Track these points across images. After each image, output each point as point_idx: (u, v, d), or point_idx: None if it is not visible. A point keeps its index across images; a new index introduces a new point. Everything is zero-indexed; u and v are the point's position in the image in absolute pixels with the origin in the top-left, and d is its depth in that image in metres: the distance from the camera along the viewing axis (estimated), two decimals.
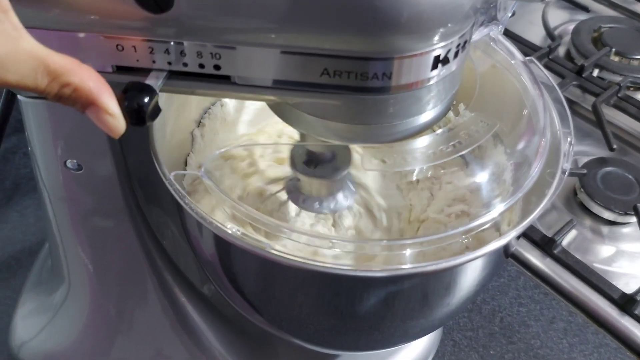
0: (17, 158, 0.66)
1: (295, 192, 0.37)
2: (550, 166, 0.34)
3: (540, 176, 0.33)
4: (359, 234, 0.40)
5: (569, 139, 0.35)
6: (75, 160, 0.35)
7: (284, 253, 0.29)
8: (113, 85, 0.27)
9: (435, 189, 0.41)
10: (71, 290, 0.45)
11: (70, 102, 0.24)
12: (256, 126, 0.45)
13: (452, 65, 0.27)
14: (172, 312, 0.44)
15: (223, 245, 0.32)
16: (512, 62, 0.38)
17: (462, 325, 0.52)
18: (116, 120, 0.24)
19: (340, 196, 0.37)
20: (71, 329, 0.46)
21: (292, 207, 0.38)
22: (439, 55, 0.26)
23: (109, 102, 0.24)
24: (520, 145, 0.37)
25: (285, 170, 0.41)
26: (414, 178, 0.38)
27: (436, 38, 0.25)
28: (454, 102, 0.41)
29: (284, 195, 0.38)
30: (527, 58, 0.39)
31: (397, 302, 0.35)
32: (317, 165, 0.36)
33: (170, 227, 0.43)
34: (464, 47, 0.27)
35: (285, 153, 0.42)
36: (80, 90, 0.23)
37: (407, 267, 0.30)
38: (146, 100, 0.25)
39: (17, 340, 0.50)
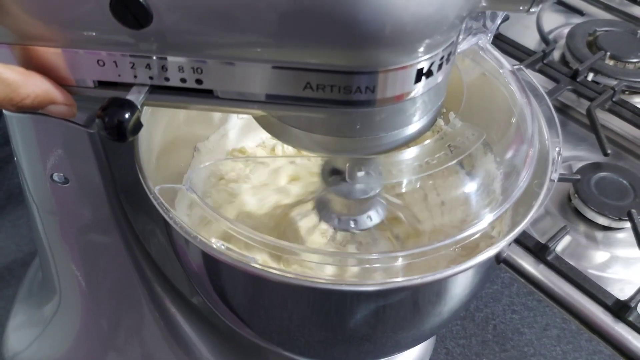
0: (11, 168, 0.66)
1: (325, 209, 0.37)
2: (539, 176, 0.34)
3: (528, 186, 0.33)
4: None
5: (557, 149, 0.35)
6: (61, 174, 0.35)
7: (269, 268, 0.28)
8: (95, 100, 0.27)
9: (423, 201, 0.41)
10: (62, 303, 0.45)
11: (31, 108, 0.26)
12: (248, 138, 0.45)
13: (437, 78, 0.27)
14: (163, 323, 0.44)
15: (209, 258, 0.32)
16: (501, 70, 0.38)
17: (455, 333, 0.52)
18: (74, 107, 0.28)
19: (366, 216, 0.37)
20: (63, 341, 0.46)
21: (311, 223, 0.38)
22: (422, 69, 0.26)
23: (64, 95, 0.27)
24: (509, 154, 0.37)
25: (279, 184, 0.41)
26: (403, 190, 0.38)
27: (420, 50, 0.25)
28: (444, 111, 0.41)
29: (303, 210, 0.38)
30: (516, 66, 0.38)
31: (388, 314, 0.35)
32: (347, 183, 0.35)
33: (157, 235, 0.43)
34: (448, 59, 0.27)
35: (273, 165, 0.42)
36: (39, 96, 0.26)
37: (397, 280, 0.30)
38: (127, 116, 0.25)
39: (10, 351, 0.50)
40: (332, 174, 0.35)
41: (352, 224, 0.37)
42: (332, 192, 0.36)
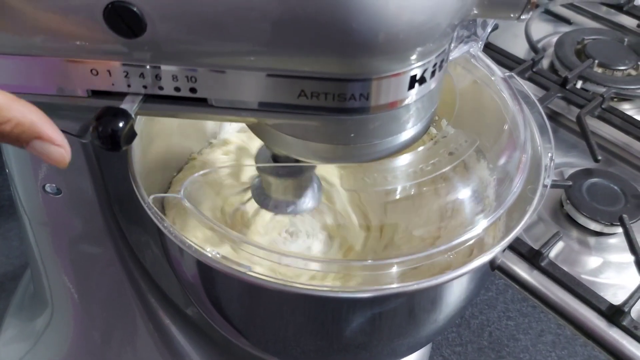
0: (1, 180, 0.65)
1: (263, 197, 0.37)
2: (532, 182, 0.34)
3: (521, 192, 0.33)
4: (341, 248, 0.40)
5: (549, 154, 0.35)
6: (54, 184, 0.35)
7: (266, 276, 0.28)
8: (89, 109, 0.27)
9: (418, 207, 0.41)
10: (54, 316, 0.44)
11: (12, 138, 0.23)
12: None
13: (430, 84, 0.27)
14: (157, 335, 0.44)
15: (204, 267, 0.32)
16: (493, 78, 0.39)
17: (451, 341, 0.52)
18: (63, 149, 0.24)
19: (308, 196, 0.36)
20: (55, 355, 0.46)
21: (253, 207, 0.38)
22: (415, 75, 0.26)
23: (54, 133, 0.24)
24: (502, 161, 0.37)
25: None
26: (397, 196, 0.38)
27: (413, 58, 0.25)
28: (437, 118, 0.41)
29: (253, 206, 0.37)
30: (507, 74, 0.39)
31: (383, 322, 0.35)
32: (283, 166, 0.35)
33: (151, 247, 0.43)
34: (440, 66, 0.27)
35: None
36: (22, 125, 0.23)
37: (393, 287, 0.30)
38: (120, 125, 0.25)
39: None
40: (267, 159, 0.34)
41: (289, 208, 0.36)
42: (266, 175, 0.35)
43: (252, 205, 0.38)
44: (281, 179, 0.34)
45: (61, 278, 0.41)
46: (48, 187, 0.35)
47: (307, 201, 0.36)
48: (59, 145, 0.24)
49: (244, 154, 0.46)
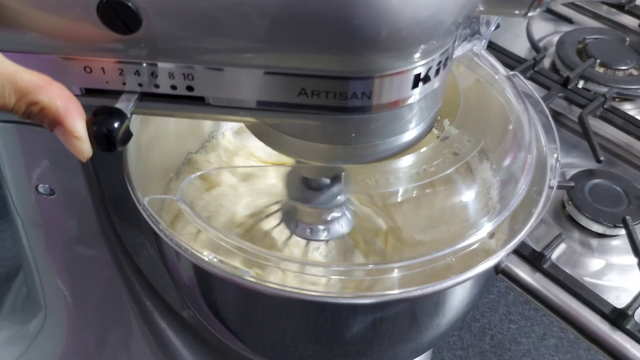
0: None
1: (291, 219, 0.36)
2: (537, 182, 0.34)
3: (527, 193, 0.33)
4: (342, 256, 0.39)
5: (555, 155, 0.34)
6: (47, 185, 0.34)
7: (264, 281, 0.27)
8: (83, 108, 0.26)
9: (420, 209, 0.40)
10: (48, 319, 0.43)
11: (38, 120, 0.23)
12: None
13: (434, 83, 0.26)
14: (153, 338, 0.43)
15: (201, 271, 0.31)
16: (496, 77, 0.38)
17: (452, 345, 0.51)
18: (81, 143, 0.23)
19: (337, 223, 0.37)
20: (48, 358, 0.45)
21: (283, 234, 0.37)
22: (419, 74, 0.25)
23: (75, 124, 0.23)
24: (507, 162, 0.37)
25: (267, 191, 0.40)
26: (399, 199, 0.37)
27: (417, 55, 0.24)
28: (439, 118, 0.40)
29: (272, 222, 0.37)
30: (511, 72, 0.38)
31: (384, 327, 0.34)
32: (314, 192, 0.35)
33: (146, 248, 0.42)
34: (445, 64, 0.26)
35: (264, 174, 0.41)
36: (47, 110, 0.23)
37: (394, 292, 0.29)
38: (116, 124, 0.24)
39: None
40: (298, 184, 0.35)
41: (324, 234, 0.36)
42: (298, 202, 0.35)
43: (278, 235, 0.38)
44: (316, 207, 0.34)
45: (54, 281, 0.41)
46: (41, 188, 0.34)
47: (343, 224, 0.36)
48: (76, 138, 0.23)
49: (241, 155, 0.45)
